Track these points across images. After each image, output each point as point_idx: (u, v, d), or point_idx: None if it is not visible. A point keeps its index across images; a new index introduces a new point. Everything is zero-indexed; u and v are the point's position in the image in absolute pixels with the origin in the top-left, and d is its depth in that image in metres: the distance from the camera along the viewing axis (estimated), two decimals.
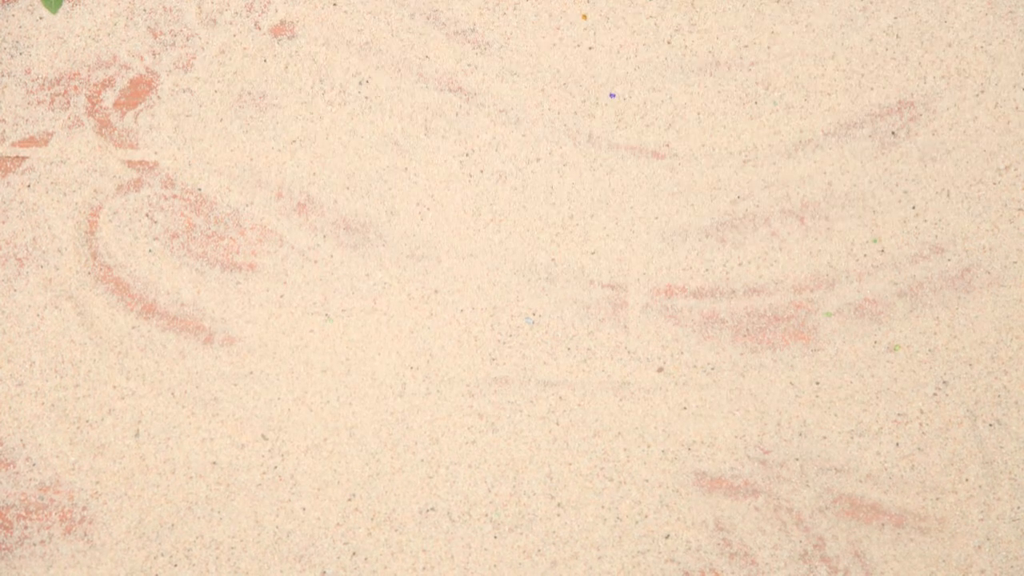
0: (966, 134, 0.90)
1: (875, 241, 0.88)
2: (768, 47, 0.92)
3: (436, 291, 0.88)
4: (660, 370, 0.86)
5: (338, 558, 0.83)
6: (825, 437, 0.85)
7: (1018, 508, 0.84)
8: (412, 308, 0.87)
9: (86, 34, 0.92)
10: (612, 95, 0.90)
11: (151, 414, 0.86)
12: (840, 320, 0.87)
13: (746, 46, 0.92)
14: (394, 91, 0.92)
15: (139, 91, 0.91)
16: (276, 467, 0.85)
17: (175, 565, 0.83)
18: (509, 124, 0.91)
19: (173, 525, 0.84)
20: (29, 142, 0.90)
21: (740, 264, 0.88)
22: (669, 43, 0.92)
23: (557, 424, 0.85)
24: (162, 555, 0.83)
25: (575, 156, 0.90)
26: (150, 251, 0.88)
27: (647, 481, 0.85)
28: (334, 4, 0.93)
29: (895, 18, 0.92)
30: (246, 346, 0.87)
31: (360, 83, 0.91)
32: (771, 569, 0.83)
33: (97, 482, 0.84)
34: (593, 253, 0.88)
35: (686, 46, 0.92)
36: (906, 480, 0.84)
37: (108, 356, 0.86)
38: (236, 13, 0.93)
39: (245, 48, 0.92)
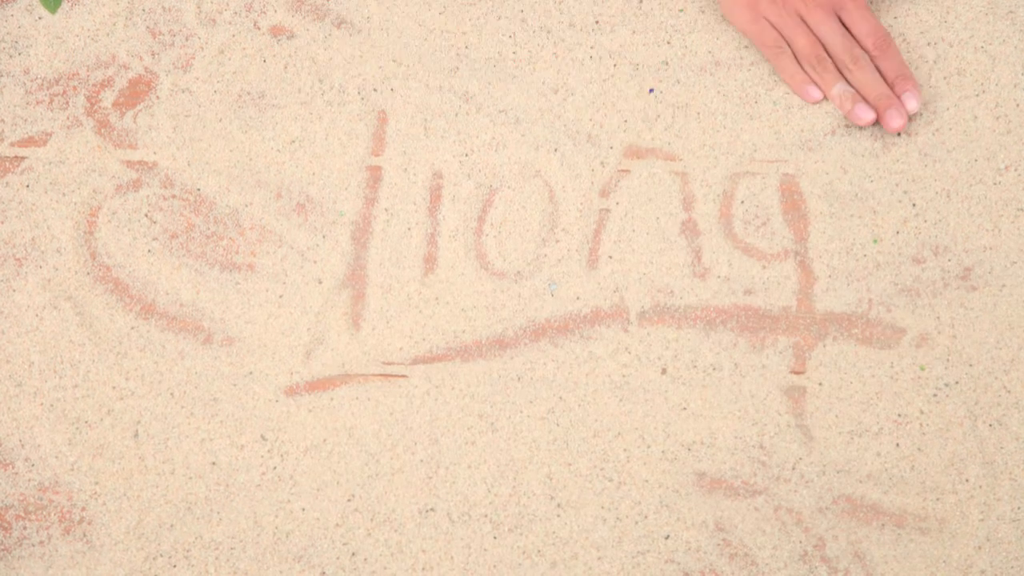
0: (967, 134, 0.90)
1: (875, 241, 0.88)
2: None
3: (435, 291, 0.88)
4: (663, 371, 0.86)
5: (337, 558, 0.83)
6: (825, 437, 0.85)
7: (1018, 509, 0.83)
8: (411, 308, 0.87)
9: (85, 34, 0.92)
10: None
11: (150, 414, 0.86)
12: (841, 320, 0.87)
13: (746, 46, 0.92)
14: (393, 91, 0.92)
15: (138, 91, 0.91)
16: (275, 467, 0.85)
17: (174, 566, 0.83)
18: (509, 124, 0.91)
19: (172, 525, 0.84)
20: (28, 142, 0.90)
21: (741, 264, 0.88)
22: (669, 43, 0.92)
23: (557, 424, 0.85)
24: (161, 555, 0.83)
25: (575, 156, 0.90)
26: (149, 251, 0.88)
27: (647, 481, 0.84)
28: None
29: (895, 18, 0.92)
30: (245, 346, 0.87)
31: (360, 83, 0.91)
32: (771, 569, 0.83)
33: (96, 482, 0.84)
34: (594, 252, 0.88)
35: (686, 46, 0.92)
36: (906, 480, 0.84)
37: (107, 356, 0.86)
38: (235, 13, 0.93)
39: (244, 48, 0.92)
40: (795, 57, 0.88)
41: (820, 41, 0.88)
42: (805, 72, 0.88)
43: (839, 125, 0.90)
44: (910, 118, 0.89)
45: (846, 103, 0.87)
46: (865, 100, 0.87)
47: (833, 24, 0.87)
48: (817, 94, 0.88)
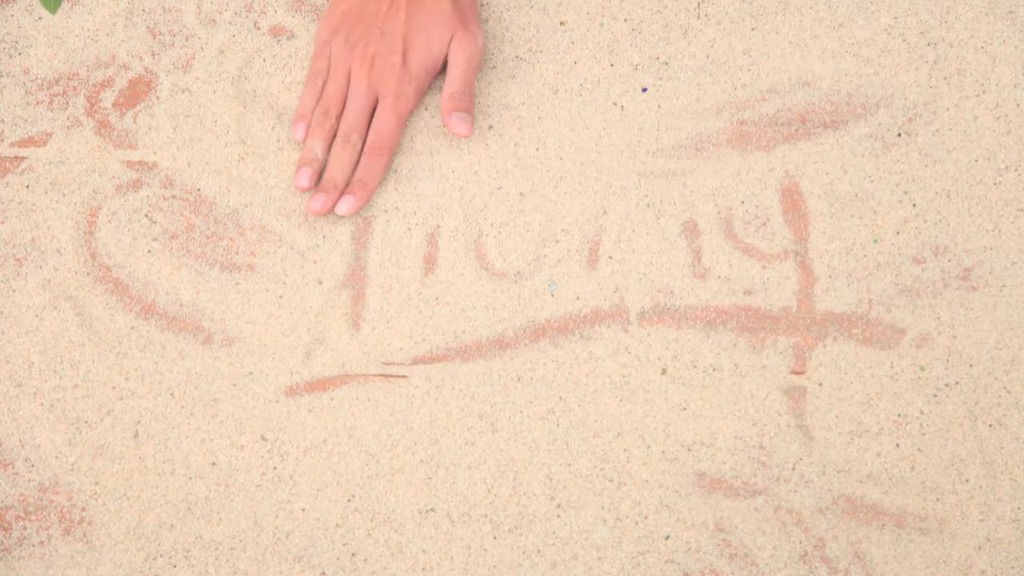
0: (967, 134, 0.90)
1: (876, 241, 0.88)
2: (768, 48, 0.92)
3: (435, 291, 0.88)
4: (663, 372, 0.86)
5: (337, 559, 0.83)
6: (825, 438, 0.85)
7: (1018, 509, 0.84)
8: (411, 308, 0.87)
9: (85, 34, 0.92)
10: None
11: (150, 415, 0.86)
12: (841, 321, 0.87)
13: (746, 50, 0.92)
14: None
15: (138, 91, 0.91)
16: (275, 468, 0.85)
17: (174, 566, 0.83)
18: (508, 123, 0.91)
19: (172, 526, 0.84)
20: (28, 142, 0.90)
21: (741, 265, 0.88)
22: (668, 43, 0.92)
23: (557, 424, 0.85)
24: (161, 556, 0.83)
25: (574, 156, 0.90)
26: (149, 251, 0.88)
27: (647, 482, 0.84)
28: None
29: (895, 18, 0.92)
30: (245, 347, 0.87)
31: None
32: (771, 570, 0.83)
33: (96, 483, 0.84)
34: (594, 252, 0.88)
35: (686, 47, 0.92)
36: (906, 481, 0.84)
37: (107, 356, 0.86)
38: (235, 13, 0.93)
39: (244, 48, 0.92)
40: (319, 95, 0.89)
41: (343, 102, 0.88)
42: (312, 112, 0.89)
43: (839, 125, 0.90)
44: (911, 119, 0.89)
45: (304, 160, 0.88)
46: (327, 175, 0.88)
47: (362, 101, 0.88)
48: (300, 134, 0.88)
